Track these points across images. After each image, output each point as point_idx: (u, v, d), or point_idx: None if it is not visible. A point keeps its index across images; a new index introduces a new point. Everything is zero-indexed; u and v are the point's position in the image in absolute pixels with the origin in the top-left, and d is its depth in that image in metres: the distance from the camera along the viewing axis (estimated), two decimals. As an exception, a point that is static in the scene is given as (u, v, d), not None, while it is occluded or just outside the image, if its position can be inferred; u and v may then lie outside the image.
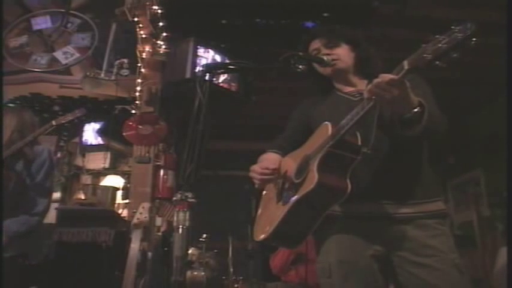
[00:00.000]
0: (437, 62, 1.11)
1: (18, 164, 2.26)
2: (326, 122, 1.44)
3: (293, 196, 1.42)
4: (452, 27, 1.08)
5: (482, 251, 4.77)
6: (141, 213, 2.69)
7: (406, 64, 1.18)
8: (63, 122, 2.43)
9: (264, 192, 1.70)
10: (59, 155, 5.15)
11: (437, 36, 1.11)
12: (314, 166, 1.36)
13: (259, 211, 1.67)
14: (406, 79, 1.22)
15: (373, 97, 1.26)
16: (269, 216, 1.55)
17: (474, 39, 1.06)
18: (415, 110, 1.27)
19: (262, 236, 1.51)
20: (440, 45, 1.09)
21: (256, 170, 1.58)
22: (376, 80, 1.23)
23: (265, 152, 1.72)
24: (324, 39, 1.62)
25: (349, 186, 1.34)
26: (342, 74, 1.62)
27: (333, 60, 1.58)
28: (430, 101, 1.38)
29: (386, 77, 1.21)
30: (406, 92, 1.24)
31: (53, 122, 2.41)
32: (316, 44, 1.63)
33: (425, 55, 1.12)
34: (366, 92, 1.29)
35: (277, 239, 1.52)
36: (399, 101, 1.24)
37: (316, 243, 1.54)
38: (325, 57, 1.58)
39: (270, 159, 1.65)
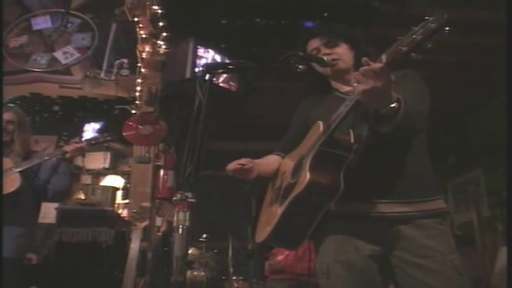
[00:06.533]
0: (413, 54, 1.11)
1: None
2: (318, 121, 1.43)
3: (288, 197, 1.41)
4: (426, 17, 1.09)
5: (482, 251, 4.76)
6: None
7: (384, 57, 1.17)
8: (93, 142, 2.61)
9: (267, 193, 1.70)
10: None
11: (412, 28, 1.12)
12: (306, 166, 1.36)
13: (261, 212, 1.67)
14: (399, 75, 1.20)
15: (355, 84, 1.22)
16: (268, 217, 1.55)
17: (447, 28, 1.07)
18: (392, 105, 1.23)
19: (262, 237, 1.51)
20: (415, 36, 1.10)
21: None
22: (363, 68, 1.20)
23: (268, 154, 1.72)
24: (324, 38, 1.60)
25: (342, 184, 1.32)
26: (342, 73, 1.60)
27: (334, 60, 1.56)
28: (416, 97, 1.34)
29: (375, 65, 1.18)
30: (389, 86, 1.20)
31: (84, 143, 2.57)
32: (315, 43, 1.61)
33: (401, 47, 1.12)
34: (352, 78, 1.25)
35: (276, 239, 1.51)
36: (379, 93, 1.20)
37: (314, 243, 1.54)
38: (325, 58, 1.57)
39: (268, 161, 1.67)
